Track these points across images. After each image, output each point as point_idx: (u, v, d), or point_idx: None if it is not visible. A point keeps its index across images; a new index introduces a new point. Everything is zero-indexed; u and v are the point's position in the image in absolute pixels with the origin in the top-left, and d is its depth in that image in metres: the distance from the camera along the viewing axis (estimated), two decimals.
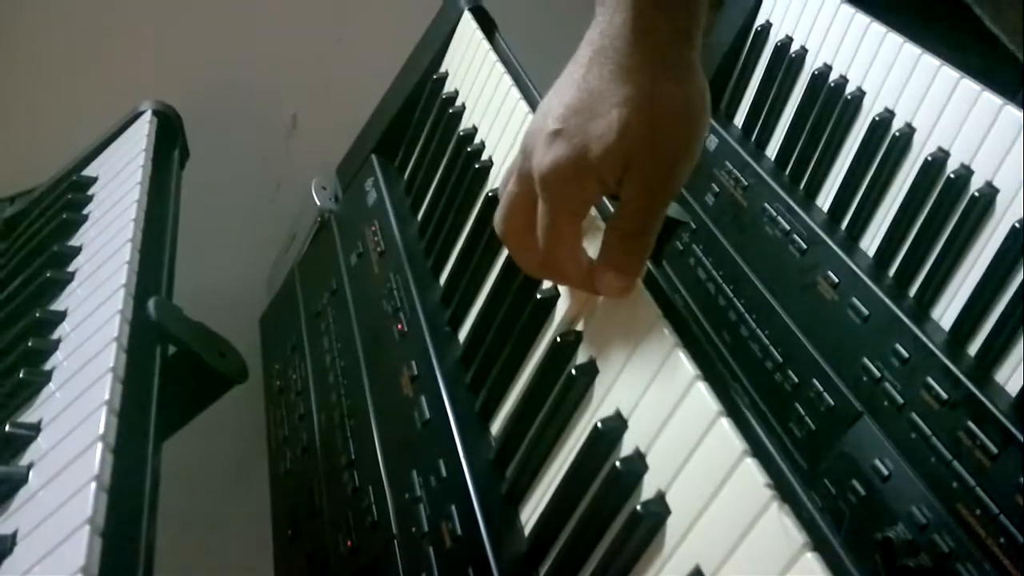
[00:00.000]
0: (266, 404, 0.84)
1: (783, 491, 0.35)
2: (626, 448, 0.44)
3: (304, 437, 0.74)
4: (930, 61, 0.71)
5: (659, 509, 0.40)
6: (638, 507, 0.40)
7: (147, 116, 0.73)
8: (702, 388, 0.41)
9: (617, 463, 0.43)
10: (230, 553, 0.91)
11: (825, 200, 0.79)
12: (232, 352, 0.55)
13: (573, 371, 0.49)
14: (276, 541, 0.71)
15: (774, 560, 0.33)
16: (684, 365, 0.43)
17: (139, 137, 0.70)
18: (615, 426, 0.45)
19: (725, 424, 0.39)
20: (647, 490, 0.41)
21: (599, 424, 0.45)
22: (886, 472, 0.63)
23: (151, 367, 0.49)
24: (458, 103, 0.78)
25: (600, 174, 0.46)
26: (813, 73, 0.82)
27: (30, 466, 0.45)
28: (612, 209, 0.50)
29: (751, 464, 0.36)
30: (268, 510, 0.75)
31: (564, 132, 0.46)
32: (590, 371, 0.48)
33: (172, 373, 0.52)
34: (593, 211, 0.53)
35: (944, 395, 0.61)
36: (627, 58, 0.46)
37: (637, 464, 0.42)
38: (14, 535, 0.41)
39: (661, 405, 0.43)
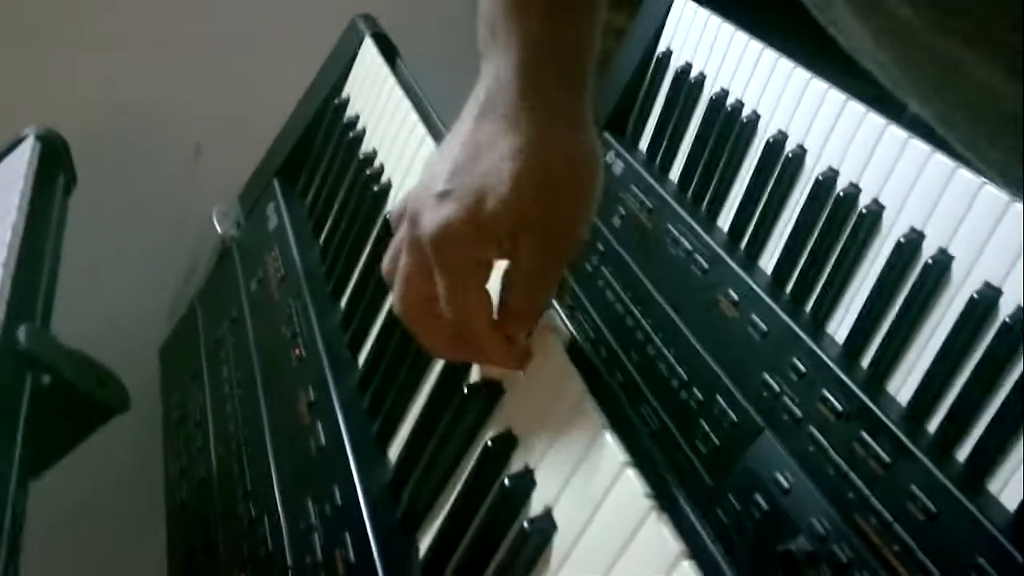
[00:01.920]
0: (164, 436, 0.81)
1: (664, 501, 0.35)
2: (516, 466, 0.43)
3: (201, 468, 0.72)
4: (819, 85, 0.73)
5: (546, 525, 0.39)
6: (525, 524, 0.39)
7: (29, 141, 0.71)
8: (589, 405, 0.41)
9: (506, 480, 0.42)
10: None
11: (725, 220, 0.80)
12: (113, 381, 0.52)
13: (466, 390, 0.48)
14: (172, 572, 0.68)
15: (654, 569, 0.33)
16: (574, 380, 0.42)
17: (20, 162, 0.67)
18: (505, 444, 0.44)
19: (608, 437, 0.38)
20: (535, 506, 0.41)
21: (489, 442, 0.44)
22: (787, 485, 0.63)
23: (18, 397, 0.47)
24: (359, 127, 0.77)
25: (496, 231, 0.43)
26: (711, 98, 0.83)
27: None
28: None
29: (632, 475, 0.36)
30: (163, 549, 0.72)
31: (453, 193, 0.43)
32: (483, 392, 0.48)
33: (45, 404, 0.49)
34: None
35: (839, 407, 0.62)
36: (515, 112, 0.44)
37: (526, 480, 0.42)
38: None
39: (551, 423, 0.42)
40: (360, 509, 0.52)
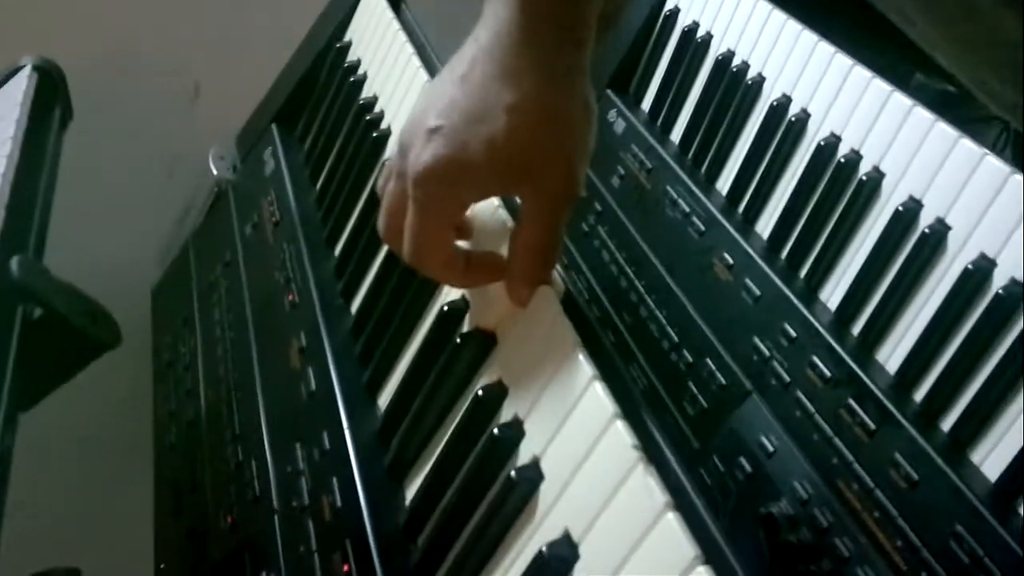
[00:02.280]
0: (154, 378, 0.81)
1: (651, 453, 0.35)
2: (506, 416, 0.43)
3: (190, 411, 0.72)
4: (826, 48, 0.72)
5: (533, 475, 0.39)
6: (512, 473, 0.40)
7: (27, 71, 0.70)
8: (580, 355, 0.41)
9: (495, 430, 0.42)
10: (111, 527, 0.87)
11: (724, 184, 0.80)
12: (104, 317, 0.52)
13: (458, 340, 0.48)
14: (157, 516, 0.69)
15: (638, 520, 0.33)
16: (566, 333, 0.42)
17: (16, 92, 0.66)
18: (496, 393, 0.44)
19: (599, 388, 0.39)
20: (523, 456, 0.41)
21: (480, 391, 0.44)
22: (772, 449, 0.64)
23: (9, 329, 0.46)
24: (360, 72, 0.76)
25: (483, 179, 0.44)
26: (716, 58, 0.82)
27: None
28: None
29: (620, 426, 0.36)
30: (151, 486, 0.72)
31: (443, 129, 0.43)
32: (475, 341, 0.48)
33: (36, 337, 0.49)
34: (503, 212, 0.50)
35: (828, 373, 0.62)
36: (513, 59, 0.43)
37: (514, 430, 0.42)
38: None
39: (542, 373, 0.42)
40: (348, 455, 0.52)
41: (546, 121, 0.43)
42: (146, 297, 0.91)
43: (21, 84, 0.68)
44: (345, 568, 0.46)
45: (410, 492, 0.49)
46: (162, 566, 0.63)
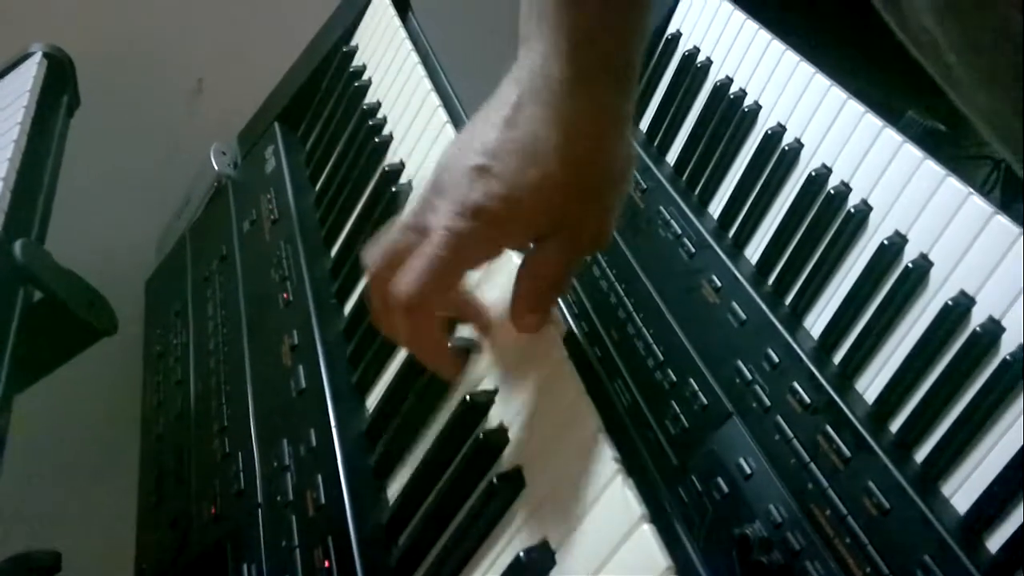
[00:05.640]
0: (144, 368, 0.81)
1: (632, 467, 0.36)
2: (491, 423, 0.45)
3: (179, 403, 0.72)
4: (822, 81, 0.73)
5: (514, 481, 0.40)
6: (494, 479, 0.41)
7: (37, 58, 0.70)
8: (568, 368, 0.42)
9: (480, 434, 0.43)
10: (93, 514, 0.88)
11: (716, 207, 0.81)
12: (102, 304, 0.53)
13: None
14: (140, 506, 0.69)
15: (615, 530, 0.34)
16: (556, 345, 0.44)
17: (26, 78, 0.67)
18: (484, 399, 0.45)
19: (585, 403, 0.40)
20: (506, 463, 0.42)
21: (468, 396, 0.45)
22: (749, 471, 0.65)
23: (10, 310, 0.47)
24: (364, 77, 0.78)
25: (528, 222, 0.43)
26: (715, 84, 0.84)
27: None
28: None
29: (603, 439, 0.37)
30: (136, 474, 0.73)
31: (494, 170, 0.42)
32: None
33: (35, 320, 0.50)
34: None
35: (807, 400, 0.64)
36: (560, 104, 0.43)
37: (500, 436, 0.43)
38: None
39: (529, 382, 0.43)
40: (334, 452, 0.53)
41: (594, 168, 0.43)
42: (138, 286, 0.92)
43: (31, 70, 0.69)
44: (326, 564, 0.47)
45: (393, 492, 0.50)
46: (144, 566, 0.64)
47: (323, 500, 0.51)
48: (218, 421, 0.65)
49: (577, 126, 0.43)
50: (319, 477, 0.53)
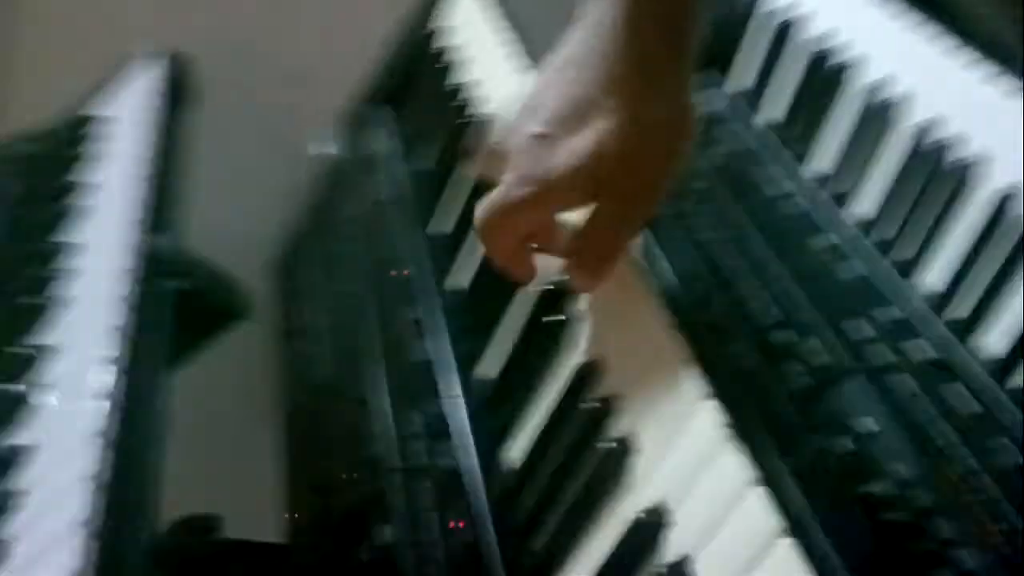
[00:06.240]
0: (278, 348, 0.86)
1: (744, 429, 0.37)
2: (603, 390, 0.46)
3: (313, 378, 0.76)
4: (928, 30, 0.71)
5: (626, 448, 0.42)
6: (605, 446, 0.42)
7: (159, 59, 0.75)
8: (676, 334, 0.43)
9: (588, 405, 0.45)
10: (243, 482, 0.93)
11: (822, 163, 0.80)
12: (237, 289, 0.56)
13: (564, 318, 0.51)
14: (287, 471, 0.73)
15: (728, 495, 0.35)
16: (658, 315, 0.45)
17: (152, 78, 0.71)
18: (593, 370, 0.47)
19: (692, 367, 0.41)
20: (617, 431, 0.43)
21: (578, 368, 0.47)
22: (873, 429, 0.64)
23: (164, 304, 0.51)
24: (455, 55, 0.79)
25: (571, 189, 0.44)
26: (816, 37, 0.82)
27: (44, 385, 0.47)
28: None
29: (712, 405, 0.38)
30: (280, 449, 0.77)
31: (548, 138, 0.44)
32: (572, 319, 0.50)
33: (179, 310, 0.53)
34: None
35: (931, 355, 0.62)
36: (615, 65, 0.43)
37: (609, 405, 0.44)
38: (28, 448, 0.44)
39: (635, 347, 0.45)
40: (461, 419, 0.55)
41: (641, 132, 0.43)
42: (265, 271, 0.96)
43: (155, 71, 0.73)
44: (461, 524, 0.50)
45: (513, 457, 0.52)
46: (294, 530, 0.67)
47: (452, 464, 0.54)
48: (351, 393, 0.68)
49: (623, 87, 0.43)
50: (448, 443, 0.55)
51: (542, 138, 0.44)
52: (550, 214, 0.47)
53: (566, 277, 0.51)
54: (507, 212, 0.45)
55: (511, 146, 0.46)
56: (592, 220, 0.46)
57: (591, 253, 0.47)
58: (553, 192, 0.44)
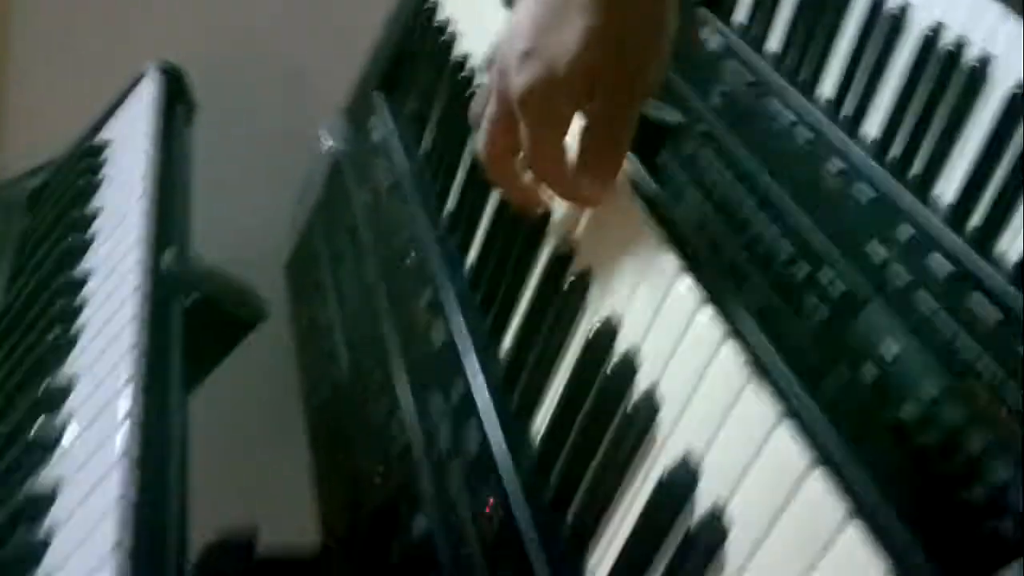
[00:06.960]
0: (296, 347, 0.87)
1: (765, 367, 0.37)
2: (619, 351, 0.45)
3: (334, 373, 0.77)
4: None
5: (649, 405, 0.41)
6: (629, 408, 0.42)
7: (153, 75, 0.75)
8: (687, 280, 0.43)
9: (609, 369, 0.44)
10: (271, 488, 0.94)
11: (827, 89, 0.78)
12: (250, 294, 0.57)
13: (567, 286, 0.51)
14: (316, 470, 0.74)
15: (754, 435, 0.35)
16: (669, 259, 0.44)
17: (146, 96, 0.72)
18: (607, 331, 0.46)
19: (709, 311, 0.40)
20: (638, 388, 0.43)
21: (590, 334, 0.47)
22: (896, 352, 0.64)
23: (173, 318, 0.52)
24: (452, 30, 0.79)
25: (569, 88, 0.46)
26: None
27: (69, 415, 0.49)
28: None
29: (731, 345, 0.38)
30: (305, 446, 0.78)
31: (534, 51, 0.46)
32: (583, 283, 0.50)
33: (193, 322, 0.54)
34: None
35: (948, 270, 0.62)
36: None
37: (629, 365, 0.44)
38: (56, 484, 0.45)
39: (649, 303, 0.44)
40: (484, 399, 0.55)
41: (620, 19, 0.45)
42: (279, 271, 0.97)
43: (148, 88, 0.74)
44: (491, 501, 0.50)
45: (537, 431, 0.52)
46: (328, 531, 0.69)
47: (478, 446, 0.54)
48: (372, 385, 0.69)
49: None
50: (471, 425, 0.55)
51: (529, 54, 0.46)
52: (568, 112, 0.48)
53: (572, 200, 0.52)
54: (511, 127, 0.48)
55: (504, 73, 0.47)
56: (591, 120, 0.48)
57: (595, 155, 0.48)
58: (561, 88, 0.46)
